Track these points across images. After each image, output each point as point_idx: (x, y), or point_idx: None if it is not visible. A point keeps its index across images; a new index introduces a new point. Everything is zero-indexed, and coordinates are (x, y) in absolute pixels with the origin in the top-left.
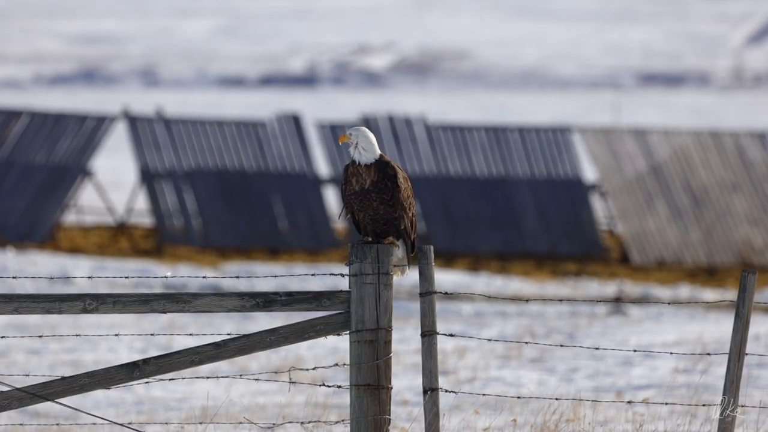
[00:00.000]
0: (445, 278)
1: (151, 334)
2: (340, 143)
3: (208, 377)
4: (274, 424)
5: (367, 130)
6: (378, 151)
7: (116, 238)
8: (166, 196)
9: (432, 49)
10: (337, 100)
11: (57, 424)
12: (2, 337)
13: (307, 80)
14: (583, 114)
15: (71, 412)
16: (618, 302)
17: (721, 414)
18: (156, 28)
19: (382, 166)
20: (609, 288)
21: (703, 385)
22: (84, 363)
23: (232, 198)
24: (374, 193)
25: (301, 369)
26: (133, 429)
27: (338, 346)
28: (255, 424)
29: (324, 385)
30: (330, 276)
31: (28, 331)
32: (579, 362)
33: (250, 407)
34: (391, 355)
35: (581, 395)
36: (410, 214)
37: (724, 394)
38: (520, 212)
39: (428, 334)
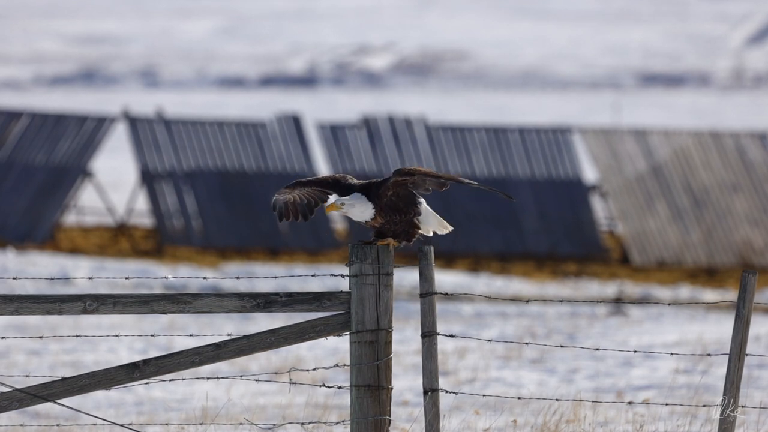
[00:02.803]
0: (445, 279)
1: (152, 335)
2: (327, 213)
3: (208, 378)
4: (274, 424)
5: (354, 200)
6: (371, 207)
7: (116, 239)
8: (166, 196)
9: (432, 50)
10: (337, 100)
11: (57, 425)
12: (2, 337)
13: (307, 81)
14: (583, 114)
15: (71, 412)
16: (618, 303)
17: (721, 414)
18: (156, 28)
19: (380, 208)
20: (609, 288)
21: (703, 386)
22: (84, 364)
23: (232, 198)
24: (388, 225)
25: (302, 370)
26: (134, 430)
27: (338, 346)
28: (255, 424)
29: (324, 385)
30: (330, 276)
31: (28, 332)
32: (579, 363)
33: (251, 408)
34: (392, 355)
35: (581, 396)
36: (424, 181)
37: (724, 394)
38: (520, 213)
39: (428, 334)
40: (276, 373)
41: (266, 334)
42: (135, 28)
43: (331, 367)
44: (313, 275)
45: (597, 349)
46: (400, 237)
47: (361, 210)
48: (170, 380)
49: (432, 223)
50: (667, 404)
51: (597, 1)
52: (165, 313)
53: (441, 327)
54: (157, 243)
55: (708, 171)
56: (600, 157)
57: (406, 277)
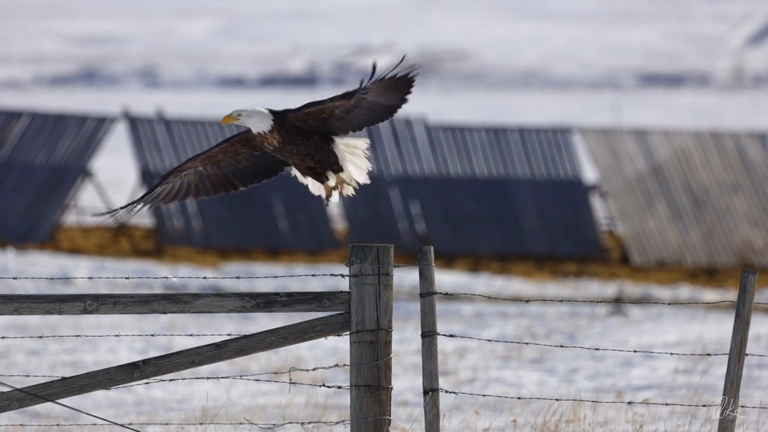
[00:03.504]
0: (445, 279)
1: (152, 335)
2: (223, 124)
3: (208, 378)
4: (274, 424)
5: (254, 111)
6: (270, 119)
7: (116, 239)
8: None
9: (432, 50)
10: None
11: (57, 425)
12: (2, 337)
13: (307, 81)
14: (583, 114)
15: (71, 412)
16: (618, 303)
17: (721, 414)
18: (156, 28)
19: (280, 126)
20: (609, 288)
21: (703, 386)
22: (84, 363)
23: (232, 198)
24: (286, 149)
25: (302, 369)
26: (134, 430)
27: (338, 346)
28: (255, 424)
29: (324, 385)
30: (330, 276)
31: (28, 332)
32: (579, 363)
33: (251, 408)
34: (392, 355)
35: (581, 396)
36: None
37: (724, 394)
38: (520, 213)
39: (428, 334)
40: (276, 373)
41: (266, 334)
42: (135, 28)
43: (331, 367)
44: (313, 275)
45: (597, 349)
46: (326, 166)
47: (259, 119)
48: (170, 380)
49: (356, 166)
50: (667, 404)
51: (597, 1)
52: (165, 313)
53: (441, 327)
54: (157, 243)
55: (708, 171)
56: (600, 157)
57: (406, 277)
